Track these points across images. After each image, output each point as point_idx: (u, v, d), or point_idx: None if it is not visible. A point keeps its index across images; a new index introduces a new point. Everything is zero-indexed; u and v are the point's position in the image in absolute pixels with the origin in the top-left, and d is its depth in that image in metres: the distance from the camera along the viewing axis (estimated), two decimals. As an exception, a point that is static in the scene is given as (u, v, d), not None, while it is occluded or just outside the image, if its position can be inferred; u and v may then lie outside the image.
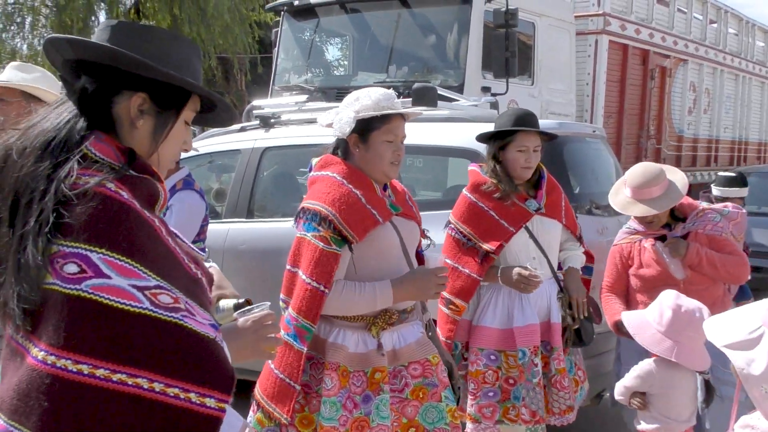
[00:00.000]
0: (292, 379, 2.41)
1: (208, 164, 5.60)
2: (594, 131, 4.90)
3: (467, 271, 3.13)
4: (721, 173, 5.61)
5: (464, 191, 3.25)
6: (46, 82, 3.36)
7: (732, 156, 12.75)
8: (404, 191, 2.70)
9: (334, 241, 2.38)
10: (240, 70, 18.70)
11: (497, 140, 3.17)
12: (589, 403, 4.20)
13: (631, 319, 2.91)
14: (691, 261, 3.33)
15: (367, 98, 2.46)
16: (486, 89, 7.27)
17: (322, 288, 2.36)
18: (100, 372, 1.20)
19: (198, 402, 1.26)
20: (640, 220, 3.44)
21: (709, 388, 2.83)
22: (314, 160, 2.62)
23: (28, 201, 1.28)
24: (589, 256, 3.51)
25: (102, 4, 16.44)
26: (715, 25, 11.88)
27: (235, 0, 16.52)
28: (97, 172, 1.32)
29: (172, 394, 1.24)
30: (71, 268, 1.23)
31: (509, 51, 7.18)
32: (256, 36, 17.18)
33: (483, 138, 3.26)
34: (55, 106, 1.42)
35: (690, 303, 2.75)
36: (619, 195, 3.44)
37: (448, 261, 3.16)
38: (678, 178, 3.39)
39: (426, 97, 4.82)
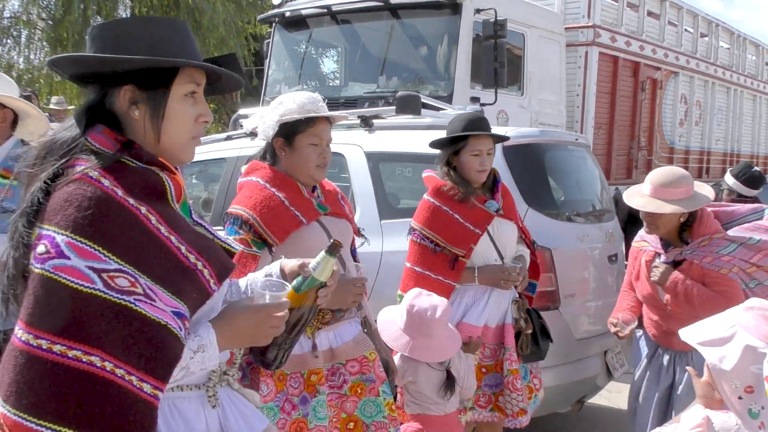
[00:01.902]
0: None
1: (198, 173, 5.62)
2: (576, 139, 4.92)
3: (440, 277, 3.14)
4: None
5: (426, 196, 3.26)
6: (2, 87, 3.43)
7: (724, 168, 12.75)
8: (336, 191, 2.73)
9: (254, 244, 2.44)
10: (235, 82, 18.73)
11: (451, 145, 3.20)
12: (571, 409, 4.21)
13: (382, 316, 3.02)
14: (667, 291, 3.16)
15: (292, 102, 2.50)
16: (475, 99, 7.31)
17: None
18: (57, 348, 1.27)
19: (137, 386, 1.31)
20: (647, 224, 3.22)
21: (450, 378, 2.96)
22: (243, 167, 2.67)
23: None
24: (535, 271, 3.47)
25: (98, 17, 16.50)
26: (706, 39, 11.95)
27: (231, 12, 16.61)
28: (85, 162, 1.40)
29: (119, 375, 1.30)
30: (41, 248, 1.32)
31: (498, 62, 7.22)
32: (252, 48, 17.25)
33: (437, 144, 3.29)
34: (65, 120, 1.56)
35: (424, 302, 2.88)
36: (635, 194, 3.22)
37: (416, 269, 3.18)
38: (706, 191, 3.16)
39: (409, 106, 4.86)
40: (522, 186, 3.96)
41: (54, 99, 10.03)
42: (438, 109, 5.38)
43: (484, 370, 3.23)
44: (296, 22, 8.50)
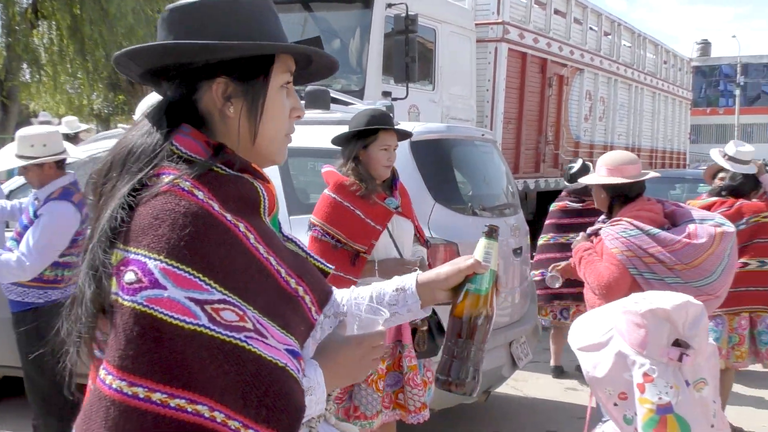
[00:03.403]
0: None
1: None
2: (483, 135, 5.03)
3: (341, 273, 3.13)
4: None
5: (327, 192, 3.26)
6: None
7: (626, 162, 13.31)
8: None
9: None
10: (146, 72, 18.22)
11: (359, 140, 3.22)
12: (478, 399, 4.31)
13: None
14: (574, 255, 3.45)
15: None
16: (387, 94, 7.35)
17: None
18: (156, 396, 1.06)
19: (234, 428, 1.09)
20: (595, 196, 3.49)
21: None
22: None
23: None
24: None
25: (-2, 3, 15.73)
26: (609, 37, 12.40)
27: (140, 1, 16.12)
28: (174, 170, 1.18)
29: (233, 428, 1.08)
30: (129, 276, 1.09)
31: (409, 56, 7.28)
32: (162, 38, 16.78)
33: (341, 139, 3.30)
34: (138, 122, 1.29)
35: None
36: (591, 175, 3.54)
37: None
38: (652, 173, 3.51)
39: (319, 100, 4.84)
40: (429, 181, 4.02)
41: (66, 119, 8.27)
42: (347, 103, 5.38)
43: (384, 369, 3.25)
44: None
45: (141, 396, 1.06)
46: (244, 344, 1.09)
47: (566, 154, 10.90)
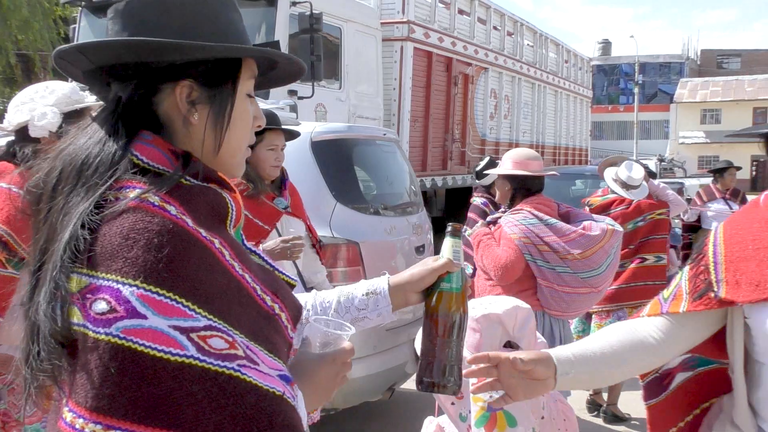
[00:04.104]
0: None
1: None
2: (385, 134, 5.08)
3: None
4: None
5: None
6: None
7: (531, 158, 13.73)
8: None
9: (10, 263, 2.17)
10: (43, 68, 17.49)
11: None
12: (382, 396, 4.36)
13: None
14: (472, 240, 3.59)
15: (61, 90, 2.31)
16: (293, 93, 7.32)
17: None
18: None
19: None
20: (500, 188, 3.64)
21: None
22: None
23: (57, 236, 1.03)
24: None
25: None
26: (512, 37, 12.74)
27: (36, -8, 15.46)
28: (139, 183, 1.05)
29: None
30: (100, 306, 0.96)
31: (315, 55, 7.28)
32: (61, 32, 16.15)
33: None
34: (85, 126, 1.13)
35: None
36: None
37: None
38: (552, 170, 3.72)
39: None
40: (330, 181, 4.03)
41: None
42: (251, 102, 5.33)
43: None
44: (103, 8, 8.06)
45: None
46: (239, 374, 0.98)
47: (473, 152, 11.14)
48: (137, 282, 0.96)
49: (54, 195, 1.06)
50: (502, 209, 3.71)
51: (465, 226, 5.99)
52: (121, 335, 0.94)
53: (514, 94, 12.76)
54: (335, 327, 1.24)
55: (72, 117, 2.27)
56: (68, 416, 0.96)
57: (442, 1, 10.26)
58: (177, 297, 0.98)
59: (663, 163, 25.46)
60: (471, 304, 1.63)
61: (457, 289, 1.35)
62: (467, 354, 1.51)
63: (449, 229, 1.41)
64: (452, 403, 1.53)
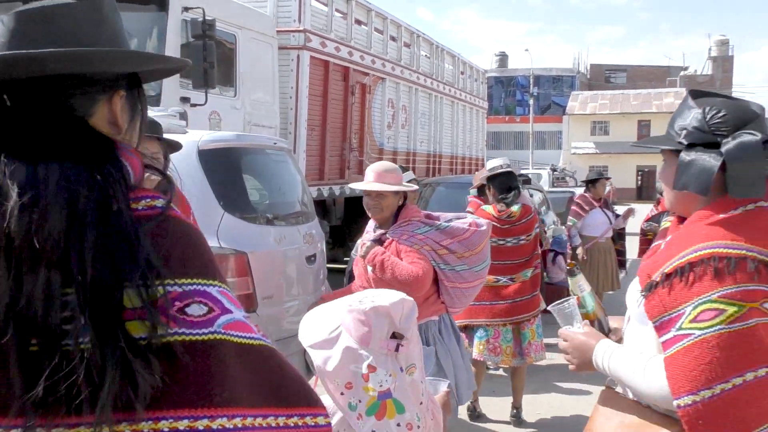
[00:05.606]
0: None
1: None
2: (275, 143, 5.06)
3: None
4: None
5: None
6: None
7: (428, 168, 13.98)
8: None
9: None
10: None
11: None
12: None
13: None
14: (368, 262, 3.53)
15: None
16: (185, 100, 7.18)
17: None
18: (258, 422, 1.02)
19: (312, 424, 1.10)
20: (372, 208, 3.57)
21: None
22: None
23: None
24: None
25: None
26: (409, 48, 12.95)
27: None
28: (153, 193, 1.08)
29: (311, 424, 1.10)
30: (198, 308, 1.01)
31: (208, 62, 7.14)
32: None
33: None
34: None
35: None
36: (361, 183, 3.65)
37: None
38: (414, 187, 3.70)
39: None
40: (218, 190, 3.98)
41: None
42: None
43: None
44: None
45: (240, 426, 1.01)
46: (273, 346, 1.11)
47: (370, 161, 11.21)
48: (215, 281, 1.05)
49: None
50: (373, 226, 3.67)
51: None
52: (222, 331, 1.02)
53: (411, 104, 12.96)
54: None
55: None
56: (180, 425, 0.96)
57: (339, 11, 10.31)
58: (228, 288, 1.09)
59: (555, 173, 26.54)
60: (357, 297, 1.71)
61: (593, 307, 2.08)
62: (356, 346, 1.57)
63: (567, 269, 2.06)
64: (341, 394, 1.57)
